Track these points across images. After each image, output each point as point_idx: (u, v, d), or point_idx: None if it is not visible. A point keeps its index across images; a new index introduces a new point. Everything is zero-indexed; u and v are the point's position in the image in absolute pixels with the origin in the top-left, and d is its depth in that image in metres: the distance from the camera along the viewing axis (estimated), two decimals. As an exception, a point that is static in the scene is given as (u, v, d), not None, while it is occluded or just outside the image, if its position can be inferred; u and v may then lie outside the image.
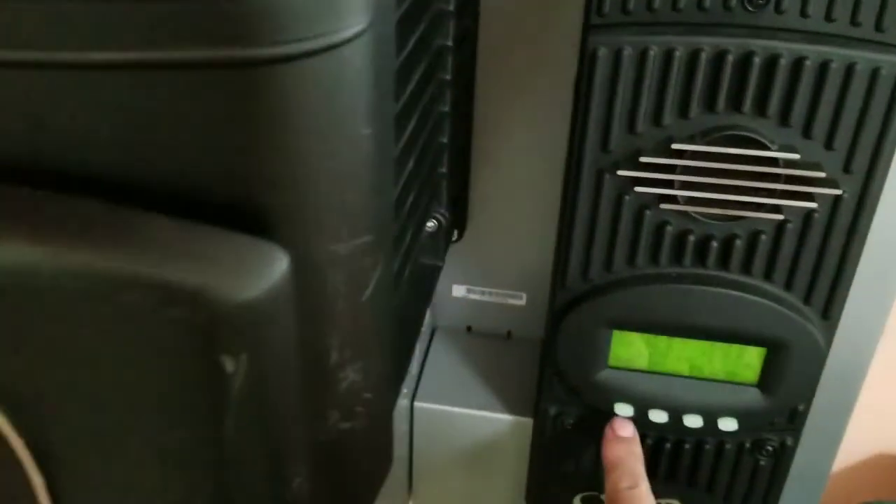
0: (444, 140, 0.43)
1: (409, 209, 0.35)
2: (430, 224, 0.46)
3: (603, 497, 0.53)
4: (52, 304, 0.20)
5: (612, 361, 0.48)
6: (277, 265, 0.21)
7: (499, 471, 0.59)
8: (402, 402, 0.55)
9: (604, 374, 0.48)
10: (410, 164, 0.34)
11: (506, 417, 0.56)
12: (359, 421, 0.29)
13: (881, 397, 0.69)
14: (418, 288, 0.46)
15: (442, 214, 0.46)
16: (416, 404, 0.57)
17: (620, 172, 0.41)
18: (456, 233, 0.57)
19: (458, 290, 0.62)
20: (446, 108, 0.42)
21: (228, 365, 0.21)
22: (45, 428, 0.22)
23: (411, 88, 0.33)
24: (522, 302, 0.62)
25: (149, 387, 0.22)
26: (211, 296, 0.20)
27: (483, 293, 0.62)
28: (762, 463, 0.51)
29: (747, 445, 0.50)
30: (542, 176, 0.55)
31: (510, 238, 0.59)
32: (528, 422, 0.55)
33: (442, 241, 0.49)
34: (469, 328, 0.64)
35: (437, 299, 0.63)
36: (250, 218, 0.22)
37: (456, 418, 0.57)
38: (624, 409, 0.48)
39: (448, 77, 0.42)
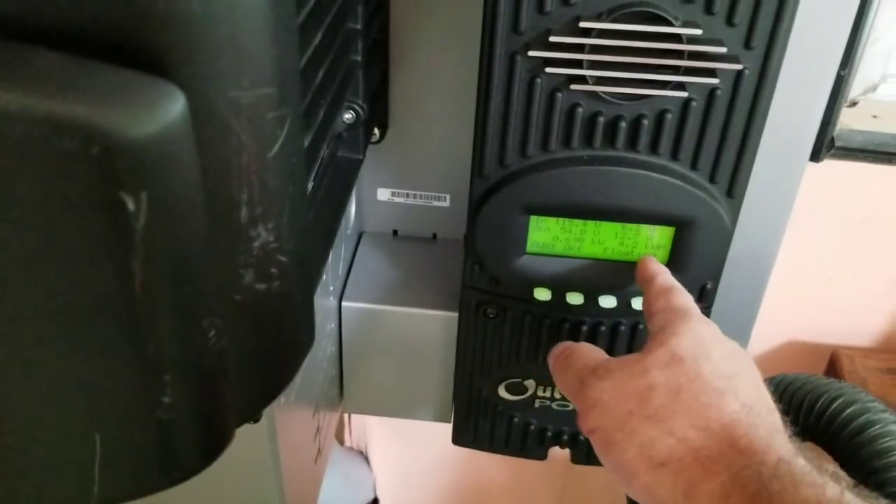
0: (356, 26, 0.43)
1: (319, 85, 0.35)
2: (348, 115, 0.46)
3: (526, 383, 0.56)
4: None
5: (529, 248, 0.49)
6: (173, 102, 0.21)
7: (427, 367, 0.60)
8: (330, 302, 0.55)
9: (522, 261, 0.49)
10: (318, 37, 0.34)
11: (432, 313, 0.57)
12: (275, 284, 0.29)
13: (791, 287, 0.72)
14: (339, 177, 0.46)
15: (360, 106, 0.46)
16: (344, 304, 0.57)
17: (531, 53, 0.41)
18: (378, 133, 0.57)
19: (383, 194, 0.63)
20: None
21: (129, 203, 0.21)
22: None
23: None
24: (447, 203, 0.63)
25: (52, 232, 0.22)
26: (104, 129, 0.20)
27: (408, 196, 0.63)
28: (675, 342, 0.53)
29: (661, 325, 0.52)
30: (462, 76, 0.55)
31: (433, 140, 0.59)
32: (453, 316, 0.56)
33: (361, 134, 0.49)
34: (395, 232, 0.65)
35: (363, 204, 0.63)
36: (144, 58, 0.21)
37: (383, 316, 0.58)
38: (542, 294, 0.50)
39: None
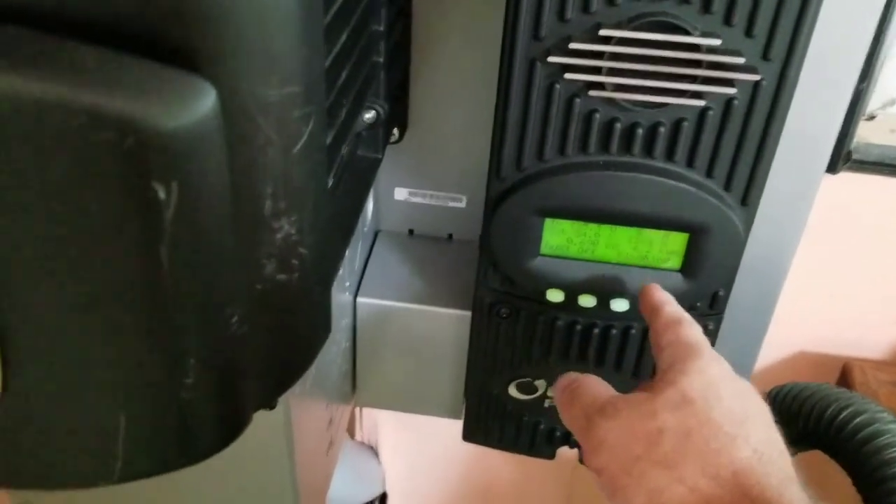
0: (379, 28, 0.44)
1: (342, 85, 0.36)
2: (369, 115, 0.47)
3: (536, 382, 0.56)
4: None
5: (543, 249, 0.50)
6: (206, 98, 0.22)
7: (439, 364, 0.61)
8: (346, 298, 0.56)
9: (536, 262, 0.50)
10: (342, 39, 0.35)
11: (446, 311, 0.58)
12: (295, 275, 0.30)
13: (804, 297, 0.73)
14: (358, 175, 0.47)
15: (381, 106, 0.47)
16: (359, 300, 0.58)
17: (551, 59, 0.42)
18: (397, 133, 0.58)
19: (401, 194, 0.64)
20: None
21: (160, 192, 0.22)
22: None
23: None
24: (463, 204, 0.64)
25: (86, 218, 0.23)
26: (140, 121, 0.21)
27: (425, 196, 0.64)
28: (685, 347, 0.54)
29: (671, 330, 0.53)
30: (481, 80, 0.56)
31: (451, 142, 0.60)
32: (467, 315, 0.57)
33: (381, 133, 0.50)
34: (411, 231, 0.66)
35: (380, 203, 0.64)
36: (178, 54, 0.23)
37: (397, 313, 0.59)
38: (555, 295, 0.51)
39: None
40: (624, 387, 0.53)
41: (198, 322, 0.26)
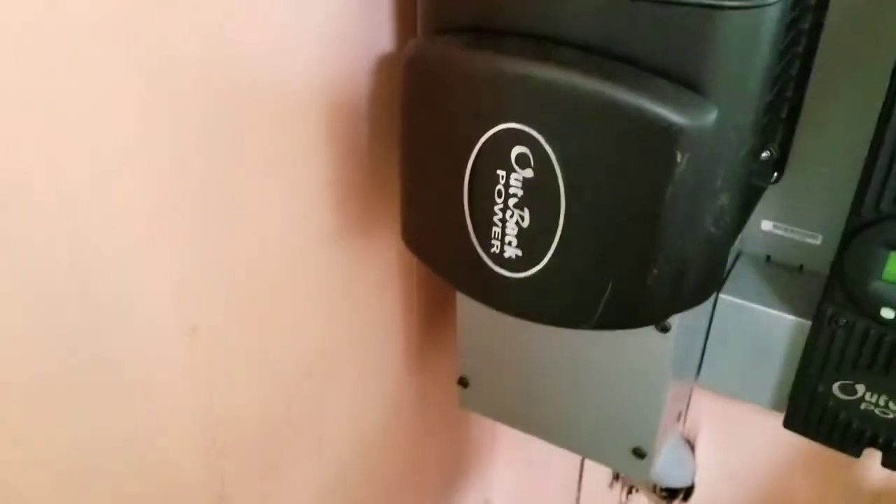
0: (788, 94, 0.62)
1: (765, 124, 0.55)
2: (765, 154, 0.64)
3: (857, 386, 0.69)
4: (600, 118, 0.43)
5: (885, 276, 0.63)
6: (712, 112, 0.42)
7: (773, 362, 0.76)
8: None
9: (877, 285, 0.64)
10: (771, 96, 0.53)
11: (789, 317, 0.73)
12: (719, 231, 0.49)
13: None
14: (752, 193, 0.65)
15: (774, 149, 0.64)
16: (721, 296, 0.76)
17: (921, 128, 0.57)
18: (776, 175, 0.74)
19: (766, 225, 0.80)
20: (794, 72, 0.61)
21: (678, 157, 0.43)
22: (574, 183, 0.45)
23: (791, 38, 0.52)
24: (818, 242, 0.78)
25: (629, 168, 0.44)
26: (674, 120, 0.42)
27: (785, 230, 0.79)
28: None
29: None
30: (853, 140, 0.70)
31: (817, 188, 0.75)
32: (804, 323, 0.72)
33: (769, 170, 0.67)
34: (768, 257, 0.81)
35: (746, 230, 0.81)
36: (698, 86, 0.43)
37: (751, 312, 0.75)
38: (888, 313, 0.64)
39: (802, 47, 0.61)
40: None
41: (670, 238, 0.46)
